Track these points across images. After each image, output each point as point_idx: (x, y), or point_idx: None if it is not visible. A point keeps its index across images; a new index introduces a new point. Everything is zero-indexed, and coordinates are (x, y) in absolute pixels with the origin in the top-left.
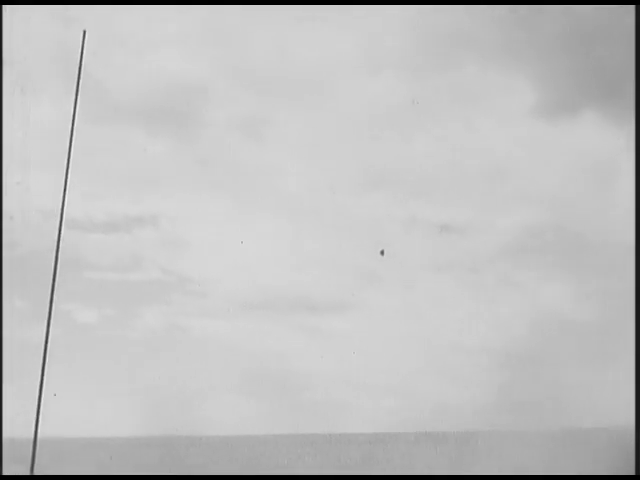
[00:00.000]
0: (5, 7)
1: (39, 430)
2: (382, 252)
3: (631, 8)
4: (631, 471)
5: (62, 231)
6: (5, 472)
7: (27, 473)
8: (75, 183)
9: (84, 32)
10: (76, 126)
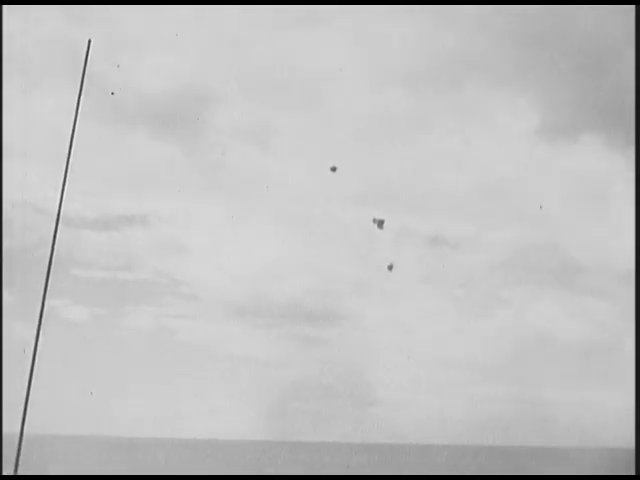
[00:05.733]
0: (11, 7)
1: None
2: (390, 267)
3: (631, 8)
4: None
5: (58, 228)
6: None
7: (11, 473)
8: (71, 181)
9: (89, 41)
10: (81, 126)
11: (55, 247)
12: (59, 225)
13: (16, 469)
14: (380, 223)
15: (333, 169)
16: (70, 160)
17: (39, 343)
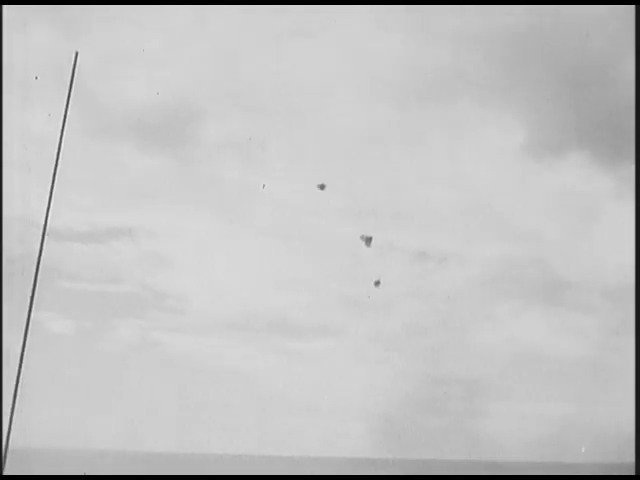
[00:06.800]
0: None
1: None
2: (377, 283)
3: (631, 8)
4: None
5: (45, 241)
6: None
7: None
8: (59, 193)
9: (76, 53)
10: (68, 138)
11: (41, 259)
12: (47, 237)
13: (1, 470)
14: (368, 240)
15: (321, 187)
16: (57, 172)
17: (25, 354)
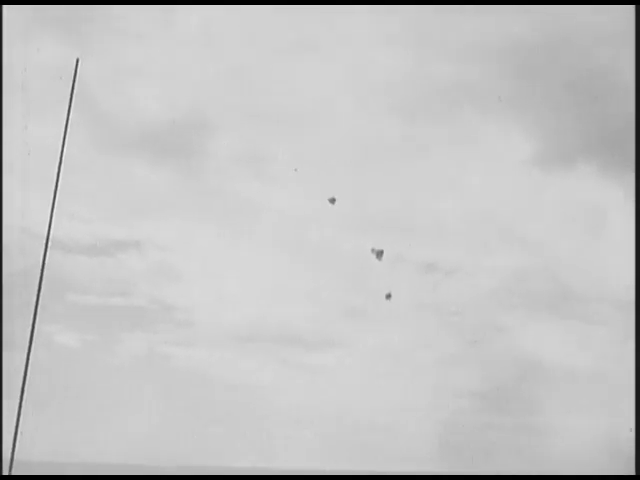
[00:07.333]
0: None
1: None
2: (388, 296)
3: (631, 9)
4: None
5: (47, 254)
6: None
7: None
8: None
9: (77, 60)
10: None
11: (44, 272)
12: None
13: (10, 469)
14: (379, 254)
15: (332, 201)
16: (58, 185)
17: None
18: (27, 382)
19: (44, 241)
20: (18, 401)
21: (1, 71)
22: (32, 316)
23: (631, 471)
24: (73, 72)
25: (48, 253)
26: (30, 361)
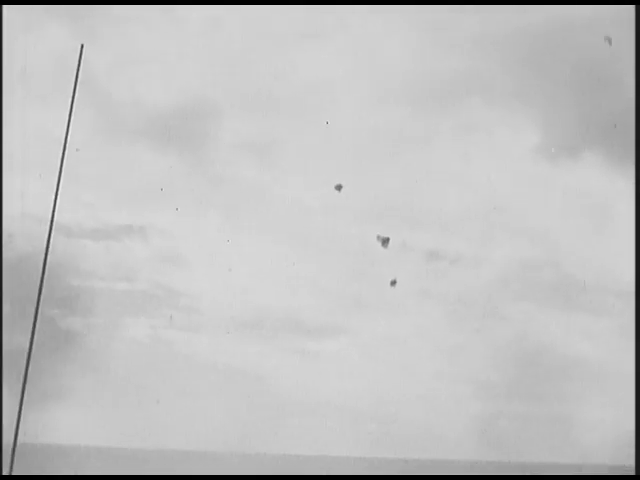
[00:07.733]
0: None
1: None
2: (393, 282)
3: (631, 8)
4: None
5: (51, 238)
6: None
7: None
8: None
9: (82, 46)
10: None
11: (48, 257)
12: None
13: (11, 470)
14: (385, 241)
15: (338, 187)
16: (62, 169)
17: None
18: (28, 377)
19: (46, 226)
20: (19, 400)
21: (1, 57)
22: (36, 301)
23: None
24: (77, 59)
25: (52, 238)
26: (33, 350)
